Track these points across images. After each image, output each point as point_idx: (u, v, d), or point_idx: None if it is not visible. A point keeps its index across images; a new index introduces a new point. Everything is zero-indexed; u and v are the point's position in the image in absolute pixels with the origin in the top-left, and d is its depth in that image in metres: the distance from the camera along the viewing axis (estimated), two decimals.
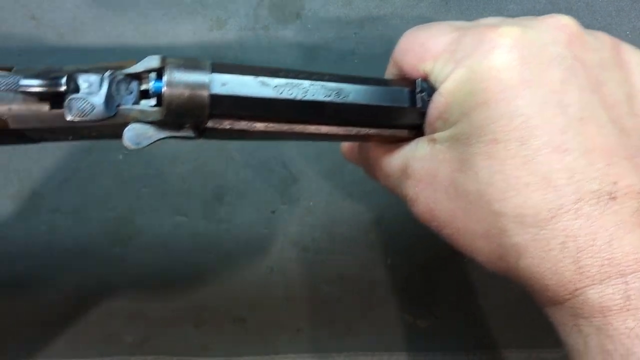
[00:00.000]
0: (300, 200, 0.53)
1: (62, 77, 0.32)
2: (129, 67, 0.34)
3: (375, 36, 0.51)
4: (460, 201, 0.35)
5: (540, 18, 0.37)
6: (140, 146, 0.34)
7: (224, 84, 0.34)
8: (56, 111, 0.33)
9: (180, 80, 0.33)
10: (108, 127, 0.34)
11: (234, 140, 0.39)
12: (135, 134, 0.34)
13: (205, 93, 0.33)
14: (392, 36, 0.51)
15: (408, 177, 0.38)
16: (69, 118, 0.32)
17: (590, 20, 0.52)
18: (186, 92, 0.33)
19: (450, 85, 0.35)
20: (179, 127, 0.34)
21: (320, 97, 0.35)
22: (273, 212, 0.53)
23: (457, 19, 0.51)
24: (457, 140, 0.35)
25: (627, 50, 0.37)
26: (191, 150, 0.52)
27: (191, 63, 0.34)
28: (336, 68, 0.51)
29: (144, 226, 0.52)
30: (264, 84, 0.34)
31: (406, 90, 0.37)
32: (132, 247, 0.52)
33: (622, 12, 0.52)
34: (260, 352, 0.54)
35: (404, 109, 0.37)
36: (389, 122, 0.37)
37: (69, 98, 0.32)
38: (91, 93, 0.33)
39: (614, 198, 0.32)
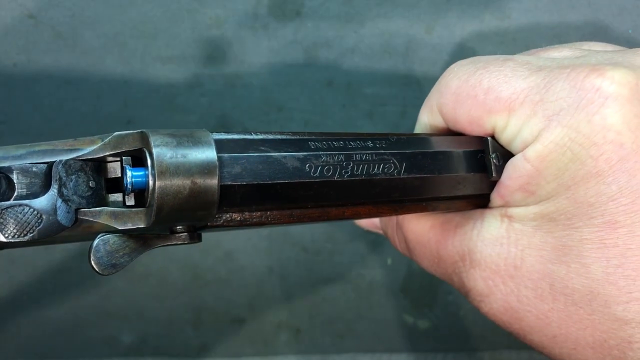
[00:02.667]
0: None
1: None
2: (87, 147, 0.24)
3: (376, 34, 0.51)
4: (558, 302, 0.28)
5: None
6: (114, 271, 0.24)
7: (238, 168, 0.24)
8: None
9: (178, 168, 0.23)
10: (67, 237, 0.24)
11: (238, 230, 0.28)
12: (106, 252, 0.23)
13: (213, 185, 0.23)
14: (392, 35, 0.51)
15: (473, 266, 0.30)
16: (3, 238, 0.22)
17: (592, 19, 0.51)
18: (186, 186, 0.23)
19: (541, 148, 0.27)
20: (169, 231, 0.25)
21: (366, 173, 0.26)
22: None
23: (459, 17, 0.50)
24: (550, 221, 0.27)
25: None
26: None
27: (186, 139, 0.23)
28: (336, 67, 0.51)
29: None
30: (291, 162, 0.25)
31: (471, 152, 0.29)
32: None
33: (624, 11, 0.51)
34: (260, 353, 0.54)
35: (469, 178, 0.29)
36: (448, 195, 0.29)
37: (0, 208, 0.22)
38: (34, 194, 0.23)
39: None
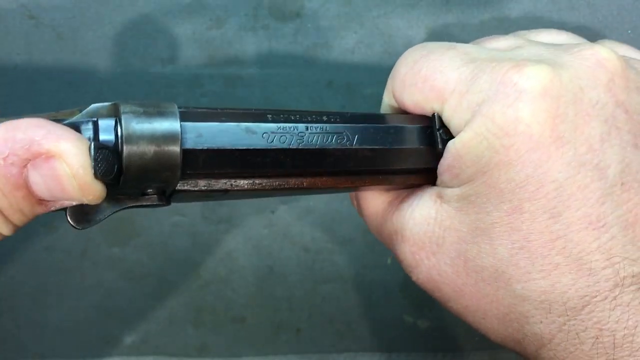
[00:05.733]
0: (300, 200, 0.53)
1: None
2: (67, 118, 0.27)
3: (375, 35, 0.51)
4: (470, 277, 0.30)
5: (575, 49, 0.30)
6: (89, 225, 0.27)
7: (199, 135, 0.27)
8: None
9: (142, 133, 0.25)
10: None
11: (209, 201, 0.32)
12: (81, 209, 0.26)
13: (176, 148, 0.26)
14: (392, 35, 0.51)
15: (404, 241, 0.33)
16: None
17: (591, 19, 0.51)
18: (151, 149, 0.25)
19: (464, 135, 0.29)
20: (140, 193, 0.27)
21: (320, 143, 0.29)
22: (273, 212, 0.53)
23: (458, 18, 0.50)
24: (469, 203, 0.30)
25: None
26: None
27: (153, 108, 0.26)
28: (336, 67, 0.51)
29: (143, 226, 0.52)
30: (249, 131, 0.28)
31: (420, 127, 0.31)
32: (132, 247, 0.52)
33: (624, 11, 0.51)
34: (260, 352, 0.54)
35: (419, 150, 0.31)
36: (401, 167, 0.31)
37: None
38: None
39: None
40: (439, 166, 0.31)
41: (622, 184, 0.28)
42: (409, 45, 0.51)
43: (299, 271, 0.54)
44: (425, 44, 0.34)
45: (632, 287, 0.27)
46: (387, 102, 0.35)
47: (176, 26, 0.50)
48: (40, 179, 0.25)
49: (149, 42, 0.50)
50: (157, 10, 0.50)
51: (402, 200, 0.34)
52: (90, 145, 0.25)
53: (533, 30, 0.36)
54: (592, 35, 0.51)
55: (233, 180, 0.28)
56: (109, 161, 0.25)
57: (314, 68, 0.51)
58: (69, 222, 0.27)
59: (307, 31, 0.51)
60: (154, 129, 0.26)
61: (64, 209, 0.26)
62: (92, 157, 0.25)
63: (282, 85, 0.52)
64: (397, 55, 0.51)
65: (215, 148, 0.27)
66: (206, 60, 0.51)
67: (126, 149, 0.25)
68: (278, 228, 0.53)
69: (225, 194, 0.29)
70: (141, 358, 0.53)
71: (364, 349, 0.55)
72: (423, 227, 0.32)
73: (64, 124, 0.26)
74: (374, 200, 0.35)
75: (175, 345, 0.53)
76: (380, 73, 0.52)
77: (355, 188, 0.32)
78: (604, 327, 0.27)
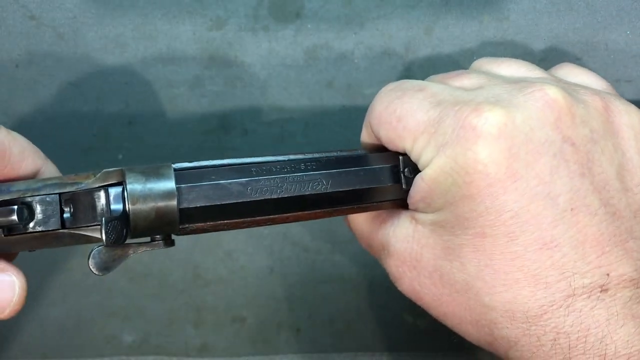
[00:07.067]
0: None
1: (12, 205, 0.30)
2: (84, 181, 0.32)
3: (376, 36, 0.51)
4: (445, 289, 0.35)
5: (527, 90, 0.34)
6: (109, 271, 0.32)
7: (191, 196, 0.32)
8: (14, 237, 0.30)
9: (146, 198, 0.31)
10: (77, 240, 0.33)
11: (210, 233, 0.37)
12: (101, 260, 0.32)
13: (173, 208, 0.31)
14: (392, 35, 0.51)
15: (389, 256, 0.37)
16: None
17: (590, 20, 0.51)
18: (152, 211, 0.31)
19: (432, 172, 0.33)
20: (150, 240, 0.33)
21: (297, 190, 0.34)
22: None
23: (458, 18, 0.51)
24: (441, 227, 0.34)
25: (617, 111, 0.35)
26: (190, 150, 0.52)
27: (153, 173, 0.31)
28: (336, 68, 0.51)
29: None
30: (235, 186, 0.32)
31: (388, 167, 0.36)
32: None
33: (623, 12, 0.52)
34: (260, 352, 0.54)
35: (387, 187, 0.36)
36: (372, 201, 0.36)
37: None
38: (51, 216, 0.31)
39: (605, 290, 0.31)
40: (410, 197, 0.35)
41: (572, 209, 0.32)
42: (408, 45, 0.52)
43: (299, 271, 0.54)
44: (399, 84, 0.37)
45: (583, 296, 0.31)
46: (365, 133, 0.39)
47: (176, 26, 0.51)
48: None
49: (149, 42, 0.50)
50: (157, 10, 0.50)
51: (384, 219, 0.38)
52: (101, 220, 0.30)
53: (495, 60, 0.40)
54: (591, 36, 0.52)
55: (227, 221, 0.33)
56: (117, 230, 0.30)
57: (314, 69, 0.51)
58: (90, 270, 0.32)
59: (307, 31, 0.51)
60: (154, 194, 0.31)
61: (87, 258, 0.32)
62: (104, 230, 0.30)
63: (282, 86, 0.52)
64: (397, 55, 0.52)
65: (207, 205, 0.32)
66: (206, 60, 0.51)
67: (132, 215, 0.30)
68: (278, 228, 0.53)
69: (221, 230, 0.34)
70: (141, 358, 0.53)
71: (364, 349, 0.55)
72: (404, 244, 0.36)
73: (82, 190, 0.31)
74: (358, 219, 0.40)
75: (176, 345, 0.54)
76: (380, 73, 0.52)
77: (332, 216, 0.36)
78: (560, 331, 0.31)
